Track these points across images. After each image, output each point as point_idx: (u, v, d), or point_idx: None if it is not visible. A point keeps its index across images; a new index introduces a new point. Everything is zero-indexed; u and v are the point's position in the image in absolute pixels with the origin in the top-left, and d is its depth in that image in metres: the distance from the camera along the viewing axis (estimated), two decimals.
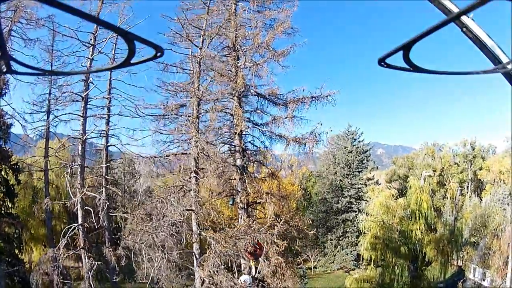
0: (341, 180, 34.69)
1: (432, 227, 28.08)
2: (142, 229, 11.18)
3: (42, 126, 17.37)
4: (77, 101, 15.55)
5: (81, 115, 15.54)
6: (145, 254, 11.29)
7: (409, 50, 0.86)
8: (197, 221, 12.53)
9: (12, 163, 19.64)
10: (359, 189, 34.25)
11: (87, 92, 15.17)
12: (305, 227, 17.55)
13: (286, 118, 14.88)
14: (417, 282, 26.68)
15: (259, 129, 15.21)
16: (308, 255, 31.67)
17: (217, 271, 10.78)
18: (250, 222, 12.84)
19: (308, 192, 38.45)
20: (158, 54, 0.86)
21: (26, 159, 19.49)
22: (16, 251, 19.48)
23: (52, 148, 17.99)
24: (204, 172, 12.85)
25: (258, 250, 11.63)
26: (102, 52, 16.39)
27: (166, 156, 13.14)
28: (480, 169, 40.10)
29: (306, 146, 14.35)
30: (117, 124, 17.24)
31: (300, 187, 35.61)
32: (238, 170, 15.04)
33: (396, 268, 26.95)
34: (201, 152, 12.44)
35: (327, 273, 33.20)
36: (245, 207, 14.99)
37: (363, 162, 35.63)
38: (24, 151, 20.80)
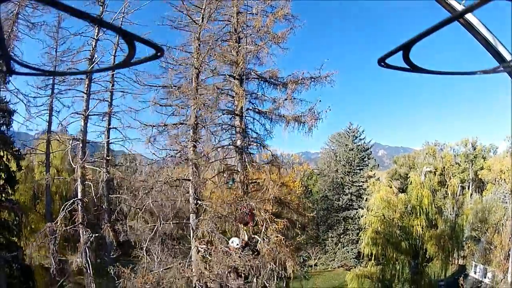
0: (342, 178, 34.66)
1: (433, 223, 27.86)
2: (138, 187, 11.28)
3: (45, 110, 17.62)
4: (81, 79, 15.86)
5: (85, 92, 15.81)
6: (139, 219, 11.32)
7: (409, 50, 0.86)
8: (193, 190, 12.59)
9: (14, 149, 19.86)
10: (360, 187, 34.21)
11: (91, 66, 15.43)
12: (305, 210, 17.67)
13: (286, 99, 15.08)
14: (418, 279, 26.34)
15: (259, 110, 15.37)
16: (309, 252, 31.44)
17: (211, 231, 10.86)
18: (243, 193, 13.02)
19: (309, 190, 38.38)
20: (159, 54, 0.89)
21: (27, 141, 19.65)
22: (15, 239, 19.45)
23: (54, 132, 18.18)
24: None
25: (248, 216, 11.84)
26: (106, 33, 16.77)
27: (164, 125, 13.21)
28: (481, 168, 39.93)
29: (305, 125, 14.47)
30: (119, 106, 17.56)
31: (301, 184, 35.55)
32: (238, 151, 15.16)
33: (397, 264, 26.70)
34: (198, 122, 12.61)
35: (327, 271, 32.88)
36: (245, 187, 15.05)
37: (364, 160, 35.66)
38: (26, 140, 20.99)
